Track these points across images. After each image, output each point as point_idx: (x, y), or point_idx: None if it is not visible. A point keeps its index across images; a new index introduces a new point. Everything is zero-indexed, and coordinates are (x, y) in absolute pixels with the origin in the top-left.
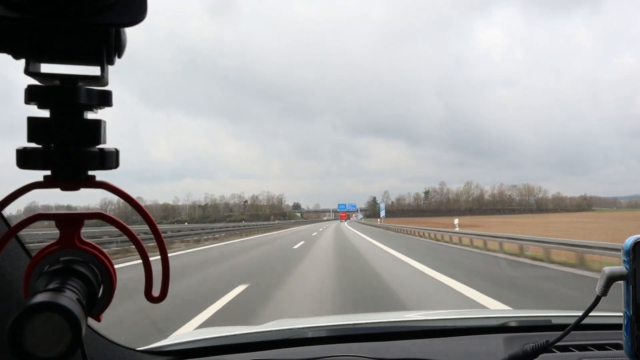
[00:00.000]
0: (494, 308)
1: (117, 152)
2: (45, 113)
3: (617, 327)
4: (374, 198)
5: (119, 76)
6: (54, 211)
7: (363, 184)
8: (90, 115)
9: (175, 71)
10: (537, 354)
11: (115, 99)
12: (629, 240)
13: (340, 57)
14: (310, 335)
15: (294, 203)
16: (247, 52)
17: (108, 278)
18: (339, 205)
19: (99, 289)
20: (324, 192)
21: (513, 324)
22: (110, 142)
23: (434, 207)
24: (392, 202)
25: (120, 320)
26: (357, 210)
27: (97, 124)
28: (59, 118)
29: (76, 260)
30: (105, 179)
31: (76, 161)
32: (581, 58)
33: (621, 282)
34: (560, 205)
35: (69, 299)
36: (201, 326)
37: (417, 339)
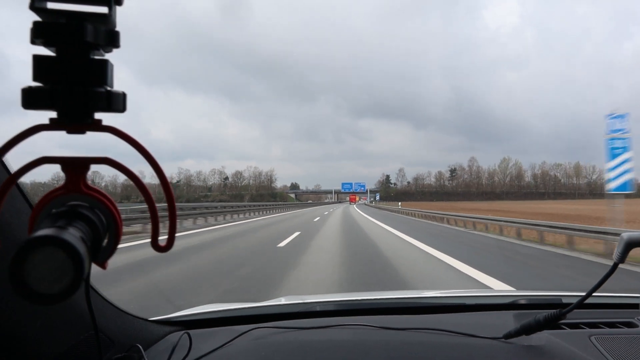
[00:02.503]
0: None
1: (124, 94)
2: (51, 52)
3: (629, 306)
4: (387, 177)
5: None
6: (59, 155)
7: (365, 167)
8: (97, 56)
9: (171, 45)
10: (550, 323)
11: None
12: None
13: (344, 34)
14: (318, 309)
15: (292, 183)
16: (246, 26)
17: (114, 225)
18: (343, 184)
19: (105, 235)
20: (325, 174)
21: (523, 301)
22: (107, 120)
23: (462, 188)
24: (409, 183)
25: (135, 294)
26: (367, 192)
27: (104, 64)
28: (65, 56)
29: (82, 205)
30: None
31: (82, 101)
32: (593, 40)
33: None
34: None
35: (72, 235)
36: None
37: (426, 314)
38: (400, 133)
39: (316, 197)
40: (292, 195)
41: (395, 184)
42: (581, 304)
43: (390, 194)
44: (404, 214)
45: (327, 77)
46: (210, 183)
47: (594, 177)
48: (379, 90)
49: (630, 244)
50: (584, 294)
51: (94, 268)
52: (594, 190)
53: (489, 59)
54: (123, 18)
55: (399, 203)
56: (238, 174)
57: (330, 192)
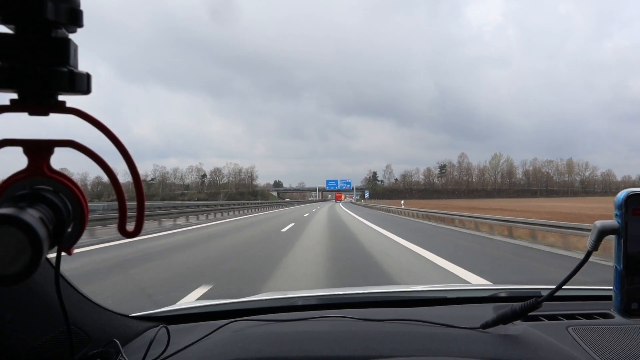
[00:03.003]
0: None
1: (88, 75)
2: (9, 30)
3: (605, 298)
4: (374, 174)
5: (91, 44)
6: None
7: (350, 165)
8: (59, 35)
9: (152, 40)
10: (526, 312)
11: (87, 68)
12: (622, 194)
13: (328, 29)
14: (300, 303)
15: (275, 181)
16: (229, 21)
17: (80, 210)
18: (327, 182)
19: (69, 219)
20: (310, 172)
21: (502, 294)
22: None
23: (452, 185)
24: (396, 180)
25: (116, 291)
26: (353, 189)
27: (66, 43)
28: (25, 34)
29: (45, 189)
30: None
31: (43, 80)
32: (575, 39)
33: (612, 236)
34: (612, 187)
35: (30, 215)
36: None
37: (406, 307)
38: (384, 130)
39: (300, 195)
40: (274, 194)
41: (382, 181)
42: (556, 293)
43: (377, 191)
44: (401, 214)
45: (311, 74)
46: (188, 181)
47: (587, 173)
48: (364, 87)
49: (603, 232)
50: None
51: (70, 265)
52: (587, 188)
53: (472, 57)
54: (100, 11)
55: (402, 201)
56: (217, 171)
57: (314, 190)
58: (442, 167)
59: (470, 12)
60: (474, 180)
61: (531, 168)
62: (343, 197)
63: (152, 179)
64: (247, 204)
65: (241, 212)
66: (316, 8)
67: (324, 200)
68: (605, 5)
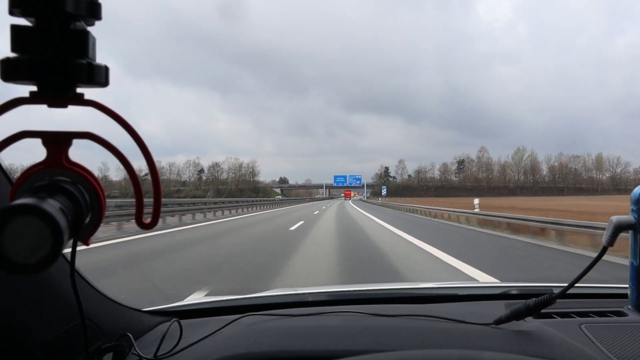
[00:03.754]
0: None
1: (106, 67)
2: (29, 22)
3: (619, 296)
4: (386, 169)
5: (98, 41)
6: (39, 129)
7: (358, 162)
8: (78, 28)
9: (158, 36)
10: (540, 308)
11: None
12: (638, 189)
13: (336, 25)
14: (310, 299)
15: (280, 177)
16: (235, 15)
17: (97, 201)
18: (335, 178)
19: (87, 210)
20: (317, 170)
21: (514, 292)
22: (97, 113)
23: (470, 182)
24: (410, 176)
25: (129, 286)
26: (363, 186)
27: (85, 35)
28: (44, 27)
29: (64, 180)
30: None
31: (62, 73)
32: (586, 35)
33: (628, 232)
34: None
35: (51, 205)
36: None
37: (417, 304)
38: (393, 128)
39: (307, 193)
40: (278, 190)
41: (394, 177)
42: (571, 289)
43: (390, 188)
44: (422, 213)
45: (318, 70)
46: (185, 177)
47: (619, 170)
48: (372, 84)
49: (619, 227)
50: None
51: (85, 259)
52: (619, 186)
53: (482, 53)
54: (106, 7)
55: (475, 201)
56: (215, 166)
57: (321, 186)
58: (460, 163)
59: (480, 8)
60: (494, 176)
61: (556, 164)
62: (352, 194)
63: (146, 175)
64: (235, 202)
65: (235, 210)
66: (323, 2)
67: (332, 198)
68: (617, 1)
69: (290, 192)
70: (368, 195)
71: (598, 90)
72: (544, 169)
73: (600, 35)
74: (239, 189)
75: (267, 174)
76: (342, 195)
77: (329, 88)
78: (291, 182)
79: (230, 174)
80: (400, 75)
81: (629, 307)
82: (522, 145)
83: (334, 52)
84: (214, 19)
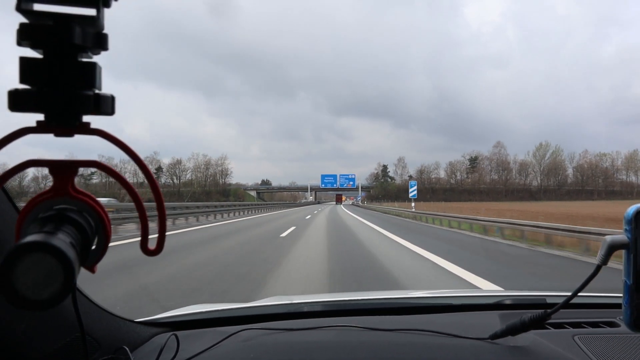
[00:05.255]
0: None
1: (112, 97)
2: (38, 54)
3: (611, 306)
4: (384, 168)
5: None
6: (46, 158)
7: (346, 167)
8: (85, 59)
9: (140, 33)
10: (535, 324)
11: None
12: (631, 209)
13: (324, 26)
14: (306, 309)
15: (263, 180)
16: (221, 14)
17: (103, 229)
18: (323, 178)
19: (94, 239)
20: (305, 174)
21: (508, 302)
22: (95, 122)
23: (487, 184)
24: (410, 177)
25: (124, 295)
26: (358, 188)
27: (92, 67)
28: (52, 59)
29: (70, 209)
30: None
31: (70, 104)
32: (575, 40)
33: (622, 251)
34: None
35: (62, 240)
36: None
37: (412, 315)
38: (380, 132)
39: (291, 196)
40: (253, 194)
41: (393, 178)
42: (566, 305)
43: (389, 190)
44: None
45: (306, 73)
46: (142, 176)
47: None
48: (360, 87)
49: (613, 247)
50: (568, 294)
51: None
52: None
53: (471, 57)
54: None
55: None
56: (177, 164)
57: (305, 188)
58: (473, 160)
59: (469, 12)
60: (513, 176)
61: (583, 162)
62: (344, 198)
63: (92, 174)
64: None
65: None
66: (312, 3)
67: (320, 203)
68: (605, 5)
69: (273, 196)
70: (359, 200)
71: (587, 95)
72: (569, 169)
73: (587, 40)
74: (205, 192)
75: (251, 177)
76: (335, 200)
77: (317, 91)
78: (275, 184)
79: (198, 173)
80: (389, 78)
81: (621, 317)
82: (509, 150)
83: (323, 54)
84: (200, 16)
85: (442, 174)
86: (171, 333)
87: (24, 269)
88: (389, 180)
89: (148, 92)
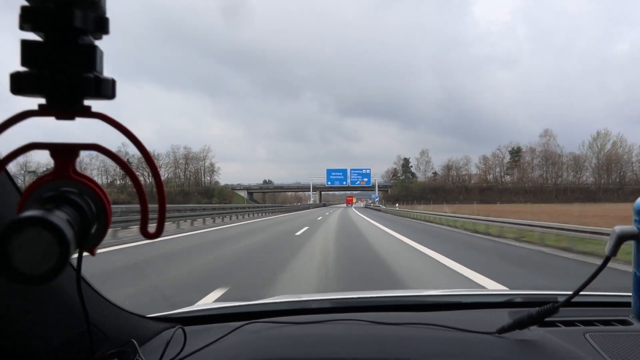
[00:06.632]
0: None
1: (113, 81)
2: (39, 37)
3: (624, 304)
4: (406, 161)
5: None
6: (47, 141)
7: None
8: (86, 42)
9: (144, 33)
10: (543, 317)
11: None
12: None
13: (330, 25)
14: (314, 306)
15: (264, 180)
16: (229, 14)
17: (103, 211)
18: (329, 174)
19: (94, 221)
20: (312, 175)
21: (518, 299)
22: (97, 108)
23: (533, 182)
24: (435, 173)
25: (135, 293)
26: (374, 187)
27: (93, 50)
28: (53, 42)
29: (71, 191)
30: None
31: (71, 87)
32: (586, 38)
33: (631, 242)
34: None
35: (59, 217)
36: None
37: (421, 312)
38: (387, 133)
39: (295, 198)
40: (243, 194)
41: (414, 175)
42: (574, 297)
43: (412, 190)
44: None
45: (312, 72)
46: (112, 173)
47: None
48: (367, 87)
49: (622, 237)
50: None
51: (88, 266)
52: None
53: (480, 57)
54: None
55: None
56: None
57: (307, 188)
58: (516, 152)
59: (477, 10)
60: (566, 173)
61: None
62: (354, 200)
63: (46, 171)
64: None
65: None
66: (317, 2)
67: (325, 206)
68: (617, 3)
69: (276, 197)
70: (377, 200)
71: (599, 94)
72: (634, 163)
73: (599, 39)
74: (183, 192)
75: (258, 180)
76: (337, 201)
77: (323, 91)
78: (276, 183)
79: (178, 170)
80: (396, 79)
81: (633, 315)
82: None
83: (328, 53)
84: (204, 16)
85: (474, 169)
86: (178, 327)
87: (20, 244)
88: (410, 177)
89: (152, 93)
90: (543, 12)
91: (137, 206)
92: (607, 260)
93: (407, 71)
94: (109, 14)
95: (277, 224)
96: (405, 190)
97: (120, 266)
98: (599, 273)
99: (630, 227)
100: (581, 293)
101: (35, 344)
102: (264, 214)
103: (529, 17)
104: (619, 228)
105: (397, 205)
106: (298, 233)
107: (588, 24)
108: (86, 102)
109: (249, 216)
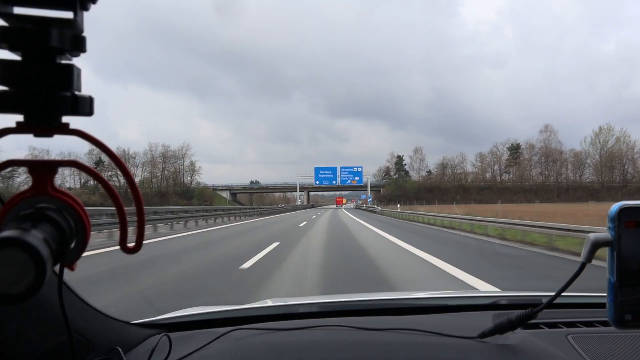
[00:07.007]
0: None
1: (91, 98)
2: (16, 56)
3: (605, 305)
4: (398, 159)
5: None
6: (26, 158)
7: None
8: (63, 61)
9: (131, 33)
10: (522, 322)
11: None
12: (615, 207)
13: (320, 25)
14: (301, 310)
15: (251, 180)
16: (214, 12)
17: (82, 227)
18: (317, 172)
19: (72, 237)
20: (301, 176)
21: (503, 302)
22: (76, 123)
23: (533, 181)
24: (429, 172)
25: (119, 299)
26: (366, 187)
27: (70, 69)
28: (31, 61)
29: (49, 208)
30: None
31: (48, 105)
32: (573, 39)
33: (605, 248)
34: None
35: (34, 237)
36: None
37: (406, 315)
38: (377, 134)
39: (283, 199)
40: (225, 195)
41: (407, 173)
42: (551, 304)
43: (406, 189)
44: None
45: (301, 72)
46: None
47: None
48: (357, 87)
49: (596, 244)
50: (562, 294)
51: (75, 273)
52: None
53: (468, 57)
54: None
55: None
56: (127, 158)
57: (293, 188)
58: (515, 149)
59: (465, 10)
60: (567, 171)
61: None
62: (344, 201)
63: (12, 172)
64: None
65: None
66: (306, 1)
67: (312, 207)
68: (603, 3)
69: (264, 199)
70: (370, 200)
71: (587, 94)
72: (637, 159)
73: (585, 39)
74: (160, 193)
75: (244, 178)
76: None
77: (313, 91)
78: (262, 183)
79: (155, 170)
80: (385, 79)
81: (609, 320)
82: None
83: (317, 53)
84: (193, 16)
85: (469, 167)
86: (163, 334)
87: None
88: (402, 175)
89: (139, 93)
90: (529, 12)
91: (110, 208)
92: (582, 266)
93: (397, 71)
94: (95, 11)
95: (234, 235)
96: (399, 190)
97: (102, 271)
98: (575, 279)
99: (604, 235)
100: (565, 294)
101: (19, 353)
102: (240, 218)
103: (516, 18)
104: (593, 235)
105: (398, 206)
106: (243, 266)
107: (574, 25)
108: (65, 119)
109: (228, 219)
